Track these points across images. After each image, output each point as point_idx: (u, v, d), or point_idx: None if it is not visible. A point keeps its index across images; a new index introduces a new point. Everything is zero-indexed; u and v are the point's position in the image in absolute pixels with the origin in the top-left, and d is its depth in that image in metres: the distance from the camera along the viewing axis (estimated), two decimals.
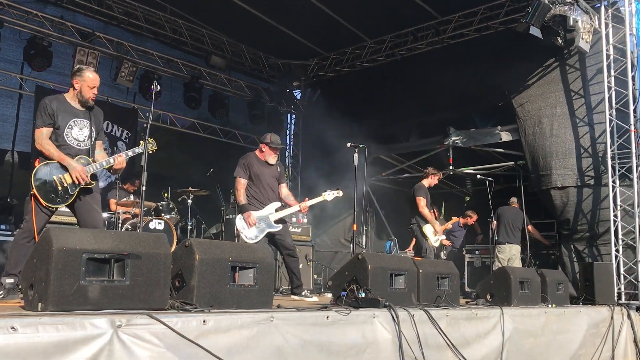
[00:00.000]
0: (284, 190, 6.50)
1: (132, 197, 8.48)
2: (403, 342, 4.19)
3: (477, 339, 5.13)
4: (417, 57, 11.20)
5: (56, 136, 4.67)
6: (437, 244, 8.07)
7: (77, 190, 4.64)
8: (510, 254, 9.63)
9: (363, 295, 4.42)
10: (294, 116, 14.37)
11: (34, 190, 4.48)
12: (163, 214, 8.20)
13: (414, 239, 11.56)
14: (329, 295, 7.58)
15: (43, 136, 4.60)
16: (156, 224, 7.89)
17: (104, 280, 3.11)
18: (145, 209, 7.93)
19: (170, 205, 8.42)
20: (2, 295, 4.28)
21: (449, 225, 8.39)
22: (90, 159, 4.78)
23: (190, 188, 8.65)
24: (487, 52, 10.28)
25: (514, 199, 10.15)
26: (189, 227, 8.75)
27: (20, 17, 9.50)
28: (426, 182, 8.43)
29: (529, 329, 5.91)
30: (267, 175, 6.25)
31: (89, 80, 4.81)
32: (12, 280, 4.38)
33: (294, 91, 14.08)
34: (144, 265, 3.26)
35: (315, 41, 11.90)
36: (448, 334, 4.69)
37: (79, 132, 4.77)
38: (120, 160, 4.85)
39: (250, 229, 5.99)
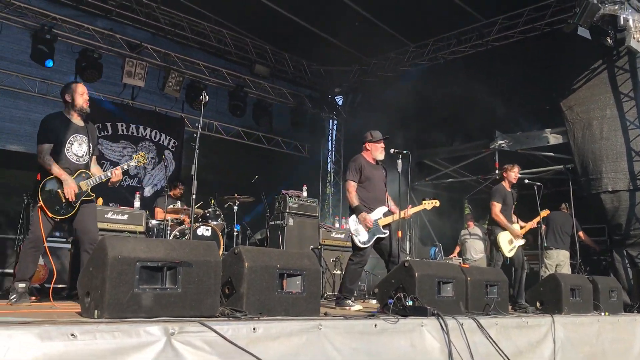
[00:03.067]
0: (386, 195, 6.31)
1: (178, 204, 8.62)
2: (453, 351, 4.12)
3: (529, 348, 5.01)
4: (461, 60, 11.08)
5: (57, 151, 4.85)
6: (511, 254, 7.18)
7: (79, 202, 4.85)
8: (558, 260, 9.38)
9: (410, 303, 4.37)
10: (335, 122, 14.40)
11: (41, 202, 4.69)
12: (210, 221, 8.31)
13: (458, 246, 11.46)
14: (373, 301, 7.53)
15: (44, 152, 4.80)
16: (203, 231, 8.00)
17: (156, 288, 3.16)
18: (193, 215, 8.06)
19: (217, 212, 8.53)
20: (15, 299, 4.55)
21: (533, 224, 7.60)
22: (90, 173, 5.01)
23: (236, 195, 8.75)
24: (532, 54, 10.10)
25: (564, 205, 9.89)
26: (235, 233, 8.84)
27: (72, 31, 9.85)
28: (505, 184, 7.46)
29: (582, 337, 5.74)
30: (376, 178, 6.12)
31: (77, 89, 5.02)
32: (23, 285, 4.67)
33: (335, 97, 14.11)
34: (195, 273, 3.30)
35: (356, 47, 11.92)
36: (498, 342, 4.60)
37: (78, 147, 4.98)
38: (117, 173, 5.13)
39: (364, 232, 5.84)
